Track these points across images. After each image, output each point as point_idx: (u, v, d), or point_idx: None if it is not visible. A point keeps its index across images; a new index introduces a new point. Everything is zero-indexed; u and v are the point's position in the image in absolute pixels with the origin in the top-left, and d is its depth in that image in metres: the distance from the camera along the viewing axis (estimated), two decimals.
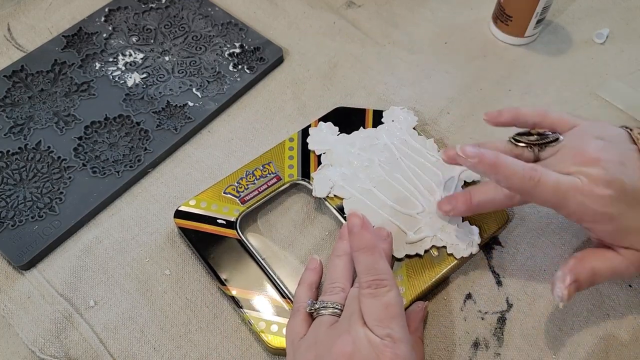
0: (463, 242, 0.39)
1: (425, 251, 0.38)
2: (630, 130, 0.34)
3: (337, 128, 0.45)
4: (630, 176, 0.31)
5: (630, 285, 0.40)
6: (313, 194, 0.42)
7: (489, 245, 0.41)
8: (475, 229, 0.39)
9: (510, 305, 0.39)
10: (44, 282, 0.39)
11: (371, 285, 0.30)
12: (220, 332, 0.37)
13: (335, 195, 0.41)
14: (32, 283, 0.39)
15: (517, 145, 0.36)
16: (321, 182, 0.42)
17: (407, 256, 0.39)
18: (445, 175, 0.42)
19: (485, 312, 0.39)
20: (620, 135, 0.33)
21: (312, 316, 0.33)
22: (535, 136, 0.35)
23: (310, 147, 0.44)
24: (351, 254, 0.33)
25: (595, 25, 0.55)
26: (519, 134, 0.36)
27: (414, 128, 0.45)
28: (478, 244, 0.39)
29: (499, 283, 0.40)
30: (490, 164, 0.31)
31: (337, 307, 0.32)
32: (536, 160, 0.35)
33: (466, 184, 0.42)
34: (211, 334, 0.37)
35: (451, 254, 0.39)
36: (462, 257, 0.38)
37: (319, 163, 0.43)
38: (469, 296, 0.39)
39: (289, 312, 0.36)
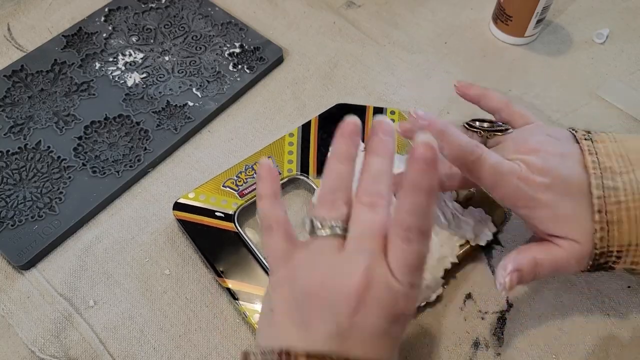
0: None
1: (446, 271, 0.38)
2: (575, 131, 0.35)
3: (362, 145, 0.44)
4: (568, 168, 0.32)
5: (629, 287, 0.40)
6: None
7: (489, 245, 0.41)
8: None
9: (510, 305, 0.39)
10: (44, 282, 0.39)
11: (412, 231, 0.25)
12: (220, 332, 0.37)
13: None
14: (31, 283, 0.39)
15: (468, 129, 0.37)
16: None
17: None
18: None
19: (485, 312, 0.38)
20: (566, 136, 0.35)
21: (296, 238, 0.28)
22: (487, 123, 0.37)
23: None
24: (403, 184, 0.26)
25: (595, 25, 0.55)
26: (472, 120, 0.37)
27: None
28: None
29: None
30: (439, 130, 0.32)
31: (340, 225, 0.27)
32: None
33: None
34: (211, 334, 0.37)
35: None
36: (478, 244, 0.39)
37: (319, 159, 0.43)
38: (469, 296, 0.39)
39: None
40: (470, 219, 0.39)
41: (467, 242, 0.39)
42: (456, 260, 0.38)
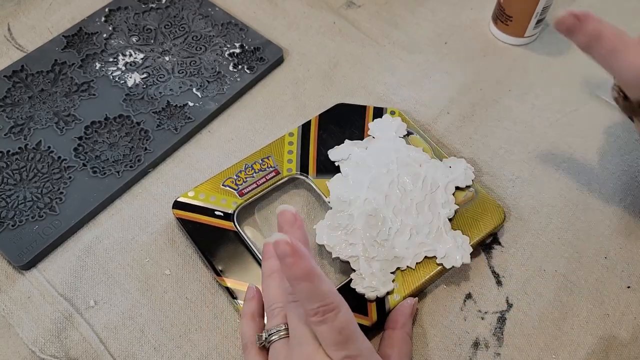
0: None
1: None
2: None
3: (406, 132, 0.45)
4: None
5: (629, 287, 0.40)
6: (328, 152, 0.43)
7: (489, 245, 0.41)
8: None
9: (510, 305, 0.39)
10: (44, 282, 0.39)
11: (318, 313, 0.28)
12: (220, 332, 0.37)
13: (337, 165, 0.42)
14: (32, 283, 0.39)
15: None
16: (342, 149, 0.43)
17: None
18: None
19: (485, 312, 0.39)
20: None
21: (265, 348, 0.33)
22: None
23: (370, 132, 0.45)
24: (288, 282, 0.30)
25: None
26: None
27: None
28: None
29: (499, 283, 0.40)
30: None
31: (283, 328, 0.32)
32: None
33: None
34: (211, 333, 0.37)
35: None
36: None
37: (318, 159, 0.43)
38: (468, 296, 0.39)
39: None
40: (450, 241, 0.39)
41: (435, 257, 0.38)
42: (413, 267, 0.38)
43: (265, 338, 0.32)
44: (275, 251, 0.28)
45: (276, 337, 0.32)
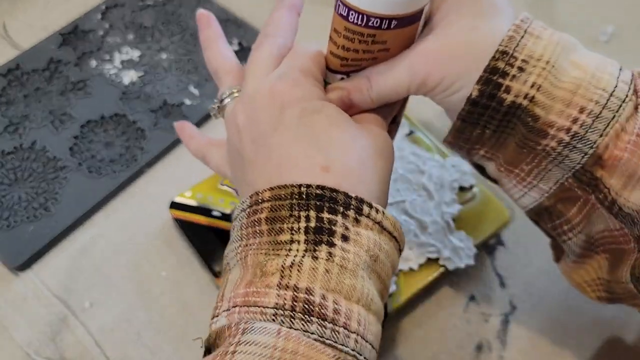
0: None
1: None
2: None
3: (409, 131, 0.44)
4: None
5: None
6: None
7: (492, 246, 0.41)
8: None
9: (514, 307, 0.38)
10: (39, 284, 0.38)
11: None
12: None
13: None
14: (27, 284, 0.38)
15: None
16: None
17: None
18: None
19: (489, 314, 0.38)
20: None
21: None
22: None
23: None
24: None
25: (599, 22, 0.54)
26: None
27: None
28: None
29: (502, 284, 0.39)
30: None
31: (235, 90, 0.29)
32: None
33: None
34: None
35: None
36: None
37: None
38: (472, 298, 0.38)
39: None
40: (455, 242, 0.38)
41: (437, 259, 0.37)
42: (415, 268, 0.37)
43: (218, 106, 0.29)
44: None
45: (228, 99, 0.29)
